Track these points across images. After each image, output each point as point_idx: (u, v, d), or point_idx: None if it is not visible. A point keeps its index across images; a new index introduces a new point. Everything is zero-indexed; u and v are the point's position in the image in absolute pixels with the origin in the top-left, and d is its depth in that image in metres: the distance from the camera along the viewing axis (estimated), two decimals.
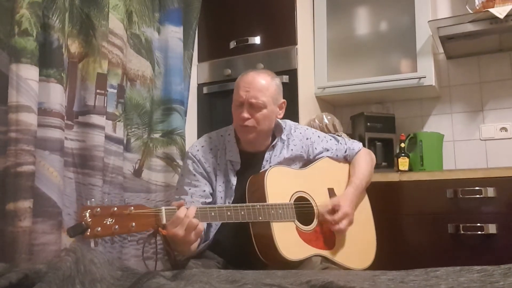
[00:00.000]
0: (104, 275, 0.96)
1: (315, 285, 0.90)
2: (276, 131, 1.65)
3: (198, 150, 1.59)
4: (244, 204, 1.39)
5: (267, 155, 1.60)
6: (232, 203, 1.54)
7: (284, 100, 1.63)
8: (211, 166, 1.57)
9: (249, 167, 1.58)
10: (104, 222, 1.14)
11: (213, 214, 1.33)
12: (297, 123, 1.74)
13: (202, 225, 1.32)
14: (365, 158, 1.73)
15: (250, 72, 1.56)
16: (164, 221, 1.23)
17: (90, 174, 1.74)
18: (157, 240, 1.31)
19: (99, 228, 1.13)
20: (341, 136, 1.86)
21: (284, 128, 1.66)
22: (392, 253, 1.85)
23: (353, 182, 1.64)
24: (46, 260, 1.00)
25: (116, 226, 1.15)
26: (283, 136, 1.64)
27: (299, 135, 1.68)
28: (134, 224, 1.18)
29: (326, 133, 2.06)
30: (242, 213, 1.37)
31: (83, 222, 1.12)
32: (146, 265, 1.37)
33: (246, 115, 1.51)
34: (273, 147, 1.62)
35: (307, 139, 1.68)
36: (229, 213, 1.35)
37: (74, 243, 1.58)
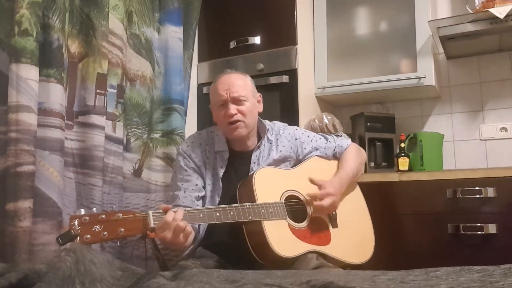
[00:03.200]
0: (104, 275, 0.96)
1: (315, 285, 0.89)
2: (260, 131, 1.68)
3: (188, 146, 1.64)
4: (234, 205, 1.40)
5: (253, 157, 1.62)
6: (220, 196, 1.57)
7: (260, 94, 1.69)
8: (201, 161, 1.62)
9: (235, 164, 1.62)
10: (93, 229, 1.18)
11: (201, 215, 1.35)
12: (286, 124, 1.77)
13: (190, 227, 1.33)
14: (353, 153, 1.76)
15: (224, 75, 1.63)
16: (152, 225, 1.26)
17: (90, 174, 1.74)
18: (147, 243, 1.32)
19: (88, 236, 1.16)
20: (332, 135, 1.86)
21: (270, 129, 1.68)
22: (392, 253, 1.85)
23: (338, 172, 1.68)
24: (46, 260, 1.00)
25: (105, 233, 1.19)
26: (270, 137, 1.67)
27: (288, 135, 1.70)
28: (122, 229, 1.21)
29: (325, 133, 2.07)
30: (232, 213, 1.38)
31: (72, 230, 1.15)
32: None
33: (233, 111, 1.55)
34: (259, 147, 1.64)
35: (296, 139, 1.70)
36: (217, 214, 1.36)
37: (74, 243, 1.58)
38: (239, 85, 1.58)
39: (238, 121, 1.56)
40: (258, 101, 1.67)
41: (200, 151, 1.63)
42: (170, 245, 1.33)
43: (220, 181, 1.58)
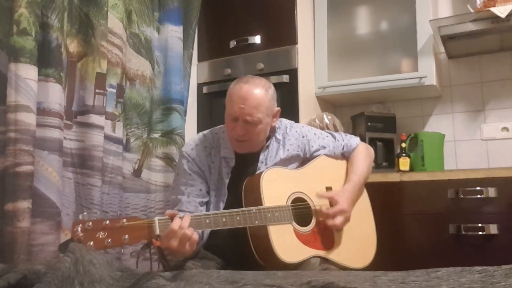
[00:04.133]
0: (103, 276, 0.96)
1: (315, 285, 0.89)
2: (270, 132, 1.62)
3: (192, 149, 1.58)
4: (240, 209, 1.38)
5: (261, 157, 1.58)
6: (225, 202, 1.54)
7: (279, 108, 1.58)
8: (205, 165, 1.56)
9: (243, 167, 1.56)
10: (97, 236, 1.14)
11: (208, 221, 1.31)
12: (293, 122, 1.71)
13: (197, 235, 1.29)
14: (363, 154, 1.71)
15: (244, 85, 1.48)
16: (157, 232, 1.22)
17: (89, 174, 1.74)
18: (151, 251, 1.29)
19: (92, 243, 1.13)
20: (339, 132, 1.84)
21: (279, 128, 1.63)
22: (393, 253, 1.84)
23: (351, 180, 1.62)
24: (45, 261, 0.99)
25: (109, 240, 1.15)
26: (278, 136, 1.62)
27: (295, 133, 1.65)
28: (127, 236, 1.17)
29: None
30: (238, 218, 1.35)
31: (74, 237, 1.12)
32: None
33: (240, 132, 1.47)
34: (267, 147, 1.60)
35: (303, 137, 1.66)
36: (224, 219, 1.33)
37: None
38: (256, 106, 1.46)
39: (244, 141, 1.50)
40: (275, 116, 1.57)
41: (205, 154, 1.57)
42: (175, 253, 1.29)
43: (226, 187, 1.54)
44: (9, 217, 1.44)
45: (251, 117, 1.46)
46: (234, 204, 1.49)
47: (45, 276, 0.88)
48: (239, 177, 1.53)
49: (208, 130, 1.66)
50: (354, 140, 1.74)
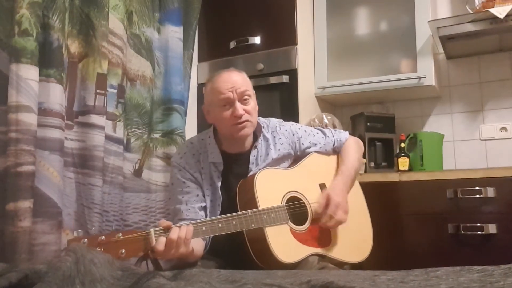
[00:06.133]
0: (104, 275, 0.96)
1: (315, 285, 0.89)
2: (256, 130, 1.61)
3: (181, 158, 1.57)
4: (236, 214, 1.37)
5: (252, 157, 1.57)
6: (220, 205, 1.53)
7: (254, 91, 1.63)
8: (196, 171, 1.55)
9: (233, 168, 1.56)
10: None
11: (204, 228, 1.31)
12: (281, 120, 1.71)
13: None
14: (353, 147, 1.72)
15: (222, 73, 1.53)
16: (154, 243, 1.21)
17: (90, 174, 1.74)
18: (148, 263, 1.28)
19: None
20: (329, 128, 1.83)
21: (267, 126, 1.63)
22: (392, 253, 1.85)
23: (340, 171, 1.64)
24: (46, 260, 0.99)
25: None
26: (267, 135, 1.62)
27: (285, 132, 1.65)
28: (123, 250, 1.16)
29: None
30: (234, 223, 1.35)
31: None
32: None
33: (241, 111, 1.48)
34: (256, 147, 1.59)
35: (293, 135, 1.66)
36: (220, 225, 1.33)
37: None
38: (242, 82, 1.51)
39: (246, 121, 1.50)
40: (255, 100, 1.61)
41: (194, 161, 1.57)
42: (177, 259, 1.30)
43: (219, 190, 1.54)
44: (10, 217, 1.44)
45: (244, 92, 1.49)
46: (230, 205, 1.48)
47: (46, 275, 0.88)
48: (231, 179, 1.54)
49: (195, 137, 1.66)
50: (344, 135, 1.75)
